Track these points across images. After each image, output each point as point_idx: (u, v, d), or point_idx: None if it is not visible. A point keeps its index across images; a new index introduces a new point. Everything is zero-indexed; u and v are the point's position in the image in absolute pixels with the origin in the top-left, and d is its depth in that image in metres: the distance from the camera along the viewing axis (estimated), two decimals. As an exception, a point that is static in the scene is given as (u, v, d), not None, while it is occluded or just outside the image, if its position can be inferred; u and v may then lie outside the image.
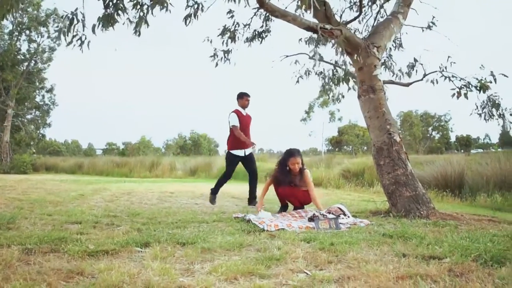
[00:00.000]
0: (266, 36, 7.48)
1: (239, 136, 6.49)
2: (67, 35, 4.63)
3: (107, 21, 4.82)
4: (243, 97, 6.72)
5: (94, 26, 4.79)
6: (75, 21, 4.64)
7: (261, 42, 7.54)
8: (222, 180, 6.75)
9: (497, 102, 5.74)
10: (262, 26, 7.38)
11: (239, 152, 6.62)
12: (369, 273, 2.39)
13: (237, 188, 11.14)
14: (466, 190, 9.49)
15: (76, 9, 4.67)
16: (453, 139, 52.72)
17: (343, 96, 7.43)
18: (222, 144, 61.66)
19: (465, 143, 51.84)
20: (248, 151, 6.66)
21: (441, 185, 10.00)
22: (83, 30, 4.83)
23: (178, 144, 54.04)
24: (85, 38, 4.95)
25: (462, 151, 43.72)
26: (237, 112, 6.65)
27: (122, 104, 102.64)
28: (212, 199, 6.68)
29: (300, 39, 7.87)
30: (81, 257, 2.73)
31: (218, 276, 2.34)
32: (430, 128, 51.00)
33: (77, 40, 4.87)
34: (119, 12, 4.89)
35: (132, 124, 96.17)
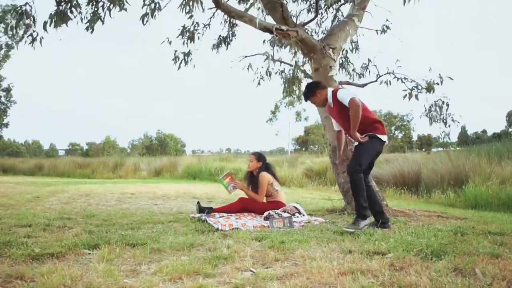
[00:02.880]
0: (231, 40, 7.51)
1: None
2: (15, 30, 4.48)
3: (60, 18, 4.69)
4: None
5: (45, 23, 4.66)
6: (24, 16, 4.49)
7: (227, 48, 7.56)
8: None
9: (445, 103, 5.97)
10: (223, 29, 7.39)
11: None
12: (312, 269, 2.44)
13: (198, 188, 11.11)
14: (422, 187, 9.87)
15: (26, 3, 4.52)
16: (415, 138, 54.44)
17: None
18: (188, 144, 61.21)
19: (427, 142, 53.62)
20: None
21: (400, 183, 10.36)
22: (34, 26, 4.69)
23: (144, 144, 53.32)
24: (37, 35, 4.82)
25: (424, 150, 45.22)
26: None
27: (86, 103, 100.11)
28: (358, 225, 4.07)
29: (264, 41, 7.90)
30: (24, 261, 2.66)
31: (163, 276, 2.34)
32: (393, 128, 52.39)
33: (28, 37, 4.73)
34: (72, 9, 4.77)
35: (97, 124, 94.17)
